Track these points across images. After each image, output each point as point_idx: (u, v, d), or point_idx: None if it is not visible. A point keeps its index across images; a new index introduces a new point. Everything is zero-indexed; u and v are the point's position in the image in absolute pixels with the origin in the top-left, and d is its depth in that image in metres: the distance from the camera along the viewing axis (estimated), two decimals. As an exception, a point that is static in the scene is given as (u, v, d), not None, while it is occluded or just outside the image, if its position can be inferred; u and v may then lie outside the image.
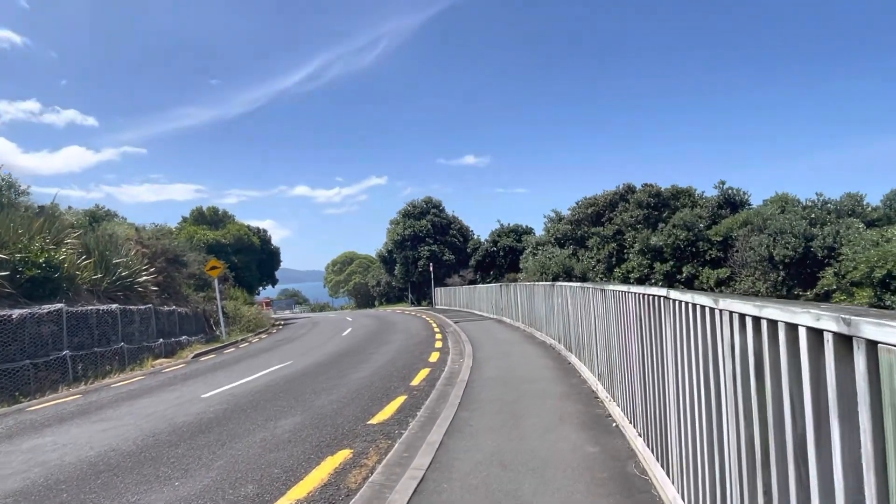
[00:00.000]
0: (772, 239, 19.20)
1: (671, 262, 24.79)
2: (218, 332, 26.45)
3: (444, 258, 49.37)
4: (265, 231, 50.13)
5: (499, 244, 47.06)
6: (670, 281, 24.57)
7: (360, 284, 70.88)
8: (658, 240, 25.25)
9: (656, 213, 28.31)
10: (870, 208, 20.92)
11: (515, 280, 34.37)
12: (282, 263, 53.36)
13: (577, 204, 34.57)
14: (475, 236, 53.35)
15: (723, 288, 22.30)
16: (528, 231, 47.67)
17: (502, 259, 46.24)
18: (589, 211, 32.86)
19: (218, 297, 26.69)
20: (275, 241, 50.76)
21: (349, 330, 25.49)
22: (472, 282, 44.14)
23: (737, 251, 22.03)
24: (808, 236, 18.44)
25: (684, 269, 24.22)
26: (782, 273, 18.78)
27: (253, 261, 44.34)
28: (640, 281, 25.78)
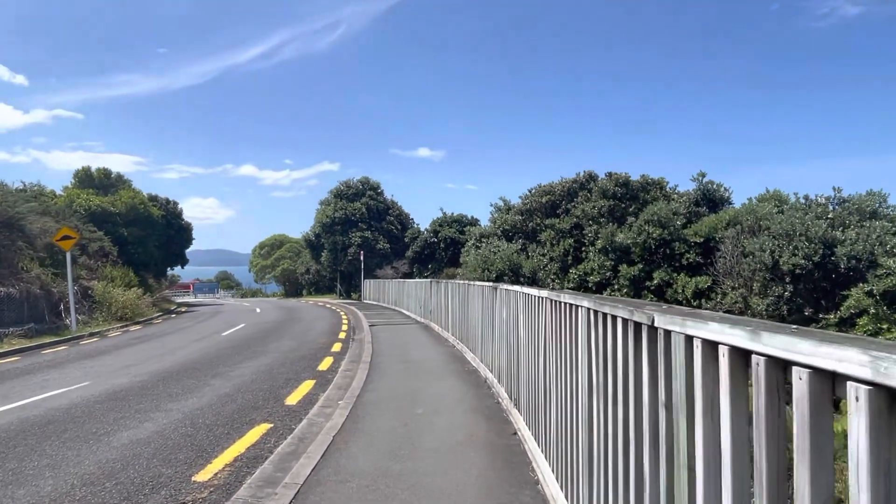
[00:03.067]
0: (777, 242, 14.98)
1: (639, 265, 20.48)
2: (68, 322, 20.61)
3: (379, 247, 43.92)
4: (174, 203, 43.18)
5: (440, 235, 41.90)
6: (637, 288, 20.32)
7: (288, 271, 64.41)
8: (626, 237, 20.84)
9: (623, 205, 24.01)
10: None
11: (454, 276, 29.52)
12: (194, 242, 46.59)
13: (529, 192, 29.79)
14: (415, 225, 48.07)
15: (702, 301, 18.15)
16: (474, 222, 42.63)
17: (443, 252, 41.17)
18: (543, 200, 28.23)
19: (69, 277, 20.76)
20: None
21: (240, 326, 21.17)
22: (407, 275, 39.02)
23: (722, 256, 17.93)
24: (828, 241, 14.27)
25: (655, 274, 19.93)
26: (790, 287, 14.58)
27: (151, 236, 37.59)
28: (601, 286, 21.38)
